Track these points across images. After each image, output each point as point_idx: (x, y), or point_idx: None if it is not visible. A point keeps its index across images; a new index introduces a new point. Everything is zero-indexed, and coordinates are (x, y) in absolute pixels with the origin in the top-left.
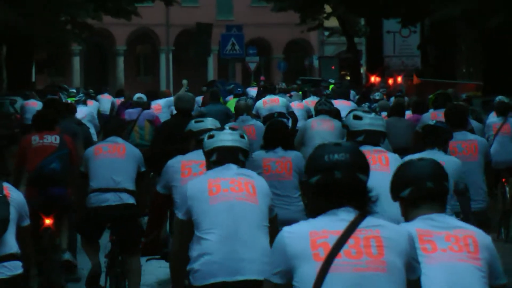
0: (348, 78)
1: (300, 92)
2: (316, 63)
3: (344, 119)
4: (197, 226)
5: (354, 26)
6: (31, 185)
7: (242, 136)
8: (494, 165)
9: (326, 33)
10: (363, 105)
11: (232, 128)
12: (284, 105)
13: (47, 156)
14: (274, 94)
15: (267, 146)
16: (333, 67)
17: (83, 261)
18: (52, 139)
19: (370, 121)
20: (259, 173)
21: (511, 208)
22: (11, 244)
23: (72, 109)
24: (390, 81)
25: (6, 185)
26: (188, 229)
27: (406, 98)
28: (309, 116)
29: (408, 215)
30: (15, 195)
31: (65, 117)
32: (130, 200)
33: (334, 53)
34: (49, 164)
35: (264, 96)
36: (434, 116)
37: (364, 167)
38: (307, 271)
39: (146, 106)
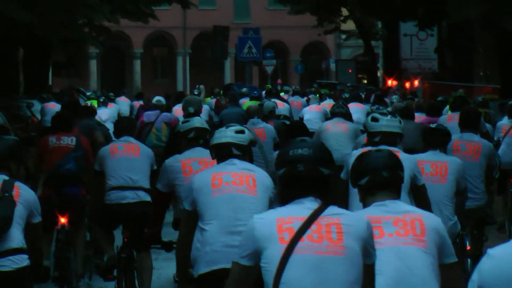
0: (365, 81)
1: (318, 95)
2: (333, 66)
3: (355, 121)
4: (200, 217)
5: (371, 29)
6: (48, 185)
7: (240, 131)
8: (502, 165)
9: (343, 36)
10: (373, 107)
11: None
12: (288, 109)
13: (63, 156)
14: (278, 97)
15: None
16: (350, 70)
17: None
18: (69, 140)
19: (386, 122)
20: None
21: None
22: (17, 239)
23: (91, 111)
24: (407, 84)
25: (17, 184)
26: (193, 219)
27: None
28: (326, 118)
29: (365, 201)
30: (25, 193)
31: (83, 119)
32: (147, 197)
33: (351, 56)
34: (65, 164)
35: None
36: (450, 118)
37: (326, 160)
38: (273, 253)
39: (164, 108)
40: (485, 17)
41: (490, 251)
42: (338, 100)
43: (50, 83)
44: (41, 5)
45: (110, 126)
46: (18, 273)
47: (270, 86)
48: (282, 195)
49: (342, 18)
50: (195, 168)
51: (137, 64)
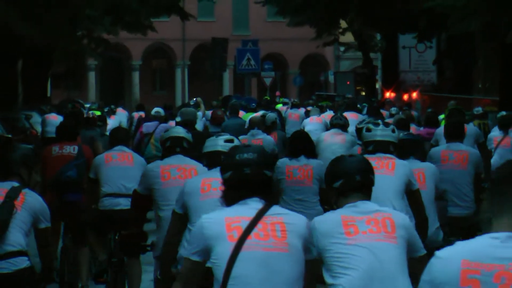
0: (363, 93)
1: (315, 107)
2: (331, 78)
3: (350, 132)
4: (189, 219)
5: (370, 41)
6: (50, 191)
7: (229, 141)
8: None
9: (342, 48)
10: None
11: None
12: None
13: (65, 164)
14: (268, 109)
15: (291, 154)
16: (348, 82)
17: None
18: (71, 149)
19: (379, 132)
20: (281, 179)
21: None
22: (17, 243)
23: (93, 121)
24: (406, 96)
25: (24, 191)
26: (182, 222)
27: (415, 112)
28: (327, 129)
29: (338, 202)
30: (31, 200)
31: (86, 129)
32: None
33: (349, 68)
34: (67, 171)
35: (257, 111)
36: None
37: (269, 164)
38: (223, 250)
39: (163, 119)
40: (486, 29)
41: (438, 253)
42: (336, 112)
43: (48, 94)
44: (44, 17)
45: None
46: (17, 274)
47: (269, 98)
48: (228, 196)
49: (341, 30)
50: (173, 174)
51: (136, 76)
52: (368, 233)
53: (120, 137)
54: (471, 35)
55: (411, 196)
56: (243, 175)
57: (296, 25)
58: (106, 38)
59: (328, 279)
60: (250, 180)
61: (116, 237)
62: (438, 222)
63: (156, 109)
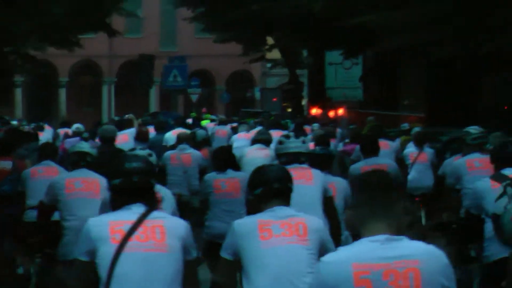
0: (290, 110)
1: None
2: (258, 94)
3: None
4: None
5: (296, 58)
6: None
7: (150, 154)
8: (412, 191)
9: (269, 65)
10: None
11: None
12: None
13: (1, 179)
14: (185, 127)
15: (218, 168)
16: (275, 99)
17: None
18: (6, 164)
19: (289, 144)
20: (209, 192)
21: (427, 231)
22: None
23: (30, 137)
24: (332, 112)
25: None
26: None
27: (339, 129)
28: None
29: (259, 208)
30: None
31: (23, 144)
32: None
33: (277, 85)
34: (2, 186)
35: (174, 128)
36: None
37: (153, 173)
38: (106, 251)
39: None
40: (413, 47)
41: (324, 258)
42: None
43: None
44: None
45: None
46: None
47: (196, 114)
48: (114, 201)
49: (267, 47)
50: (77, 186)
51: (63, 93)
52: (281, 236)
53: (47, 152)
54: (397, 52)
55: (326, 202)
56: (132, 183)
57: (223, 42)
58: (33, 54)
59: (245, 286)
60: (137, 188)
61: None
62: (347, 231)
63: (76, 125)
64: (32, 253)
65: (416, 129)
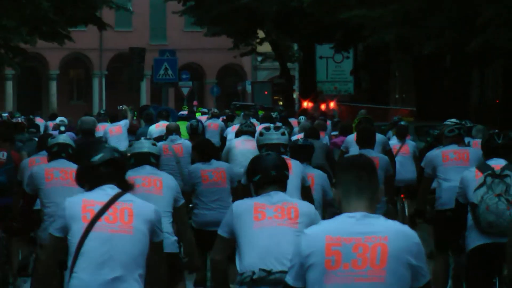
0: (281, 103)
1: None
2: (249, 88)
3: None
4: None
5: (287, 52)
6: None
7: (154, 144)
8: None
9: (259, 58)
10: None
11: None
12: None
13: None
14: (168, 120)
15: (203, 159)
16: (266, 92)
17: None
18: (0, 155)
19: (269, 136)
20: (197, 182)
21: (409, 222)
22: None
23: (21, 127)
24: (323, 106)
25: None
26: None
27: (330, 122)
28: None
29: (257, 194)
30: None
31: (16, 136)
32: None
33: (267, 78)
34: None
35: (158, 121)
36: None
37: (122, 159)
38: (77, 229)
39: (67, 127)
40: (401, 41)
41: (305, 230)
42: (246, 121)
43: None
44: None
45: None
46: None
47: (187, 108)
48: (89, 182)
49: (258, 40)
50: (56, 175)
51: (53, 86)
52: (273, 218)
53: (45, 143)
54: (387, 46)
55: (304, 191)
56: (104, 163)
57: (213, 35)
58: (23, 47)
59: (237, 263)
60: (108, 168)
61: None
62: None
63: (60, 118)
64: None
65: (401, 123)
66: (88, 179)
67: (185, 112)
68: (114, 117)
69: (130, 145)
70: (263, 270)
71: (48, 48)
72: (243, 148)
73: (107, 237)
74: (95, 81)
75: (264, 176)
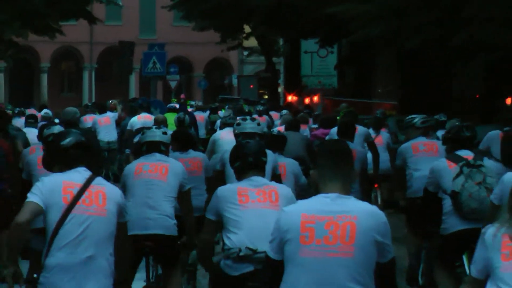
0: (266, 96)
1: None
2: (235, 81)
3: None
4: (126, 197)
5: (273, 46)
6: None
7: (164, 133)
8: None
9: (246, 53)
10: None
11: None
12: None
13: None
14: (149, 112)
15: (181, 149)
16: (251, 86)
17: None
18: None
19: (245, 125)
20: None
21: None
22: None
23: (8, 117)
24: (307, 100)
25: None
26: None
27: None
28: None
29: (240, 179)
30: None
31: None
32: None
33: (253, 72)
34: None
35: (140, 113)
36: None
37: (93, 142)
38: (56, 210)
39: (51, 119)
40: (386, 37)
41: (284, 208)
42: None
43: None
44: None
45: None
46: None
47: (176, 100)
48: (63, 164)
49: (244, 35)
50: None
51: (45, 78)
52: (256, 202)
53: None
54: (371, 41)
55: (274, 179)
56: (74, 145)
57: (201, 30)
58: (16, 41)
59: (225, 240)
60: (83, 147)
61: None
62: None
63: (44, 110)
64: None
65: (377, 115)
66: (59, 161)
67: (175, 105)
68: (103, 108)
69: (143, 134)
70: (249, 249)
71: (40, 41)
72: (228, 138)
73: (84, 219)
74: (85, 74)
75: (243, 162)
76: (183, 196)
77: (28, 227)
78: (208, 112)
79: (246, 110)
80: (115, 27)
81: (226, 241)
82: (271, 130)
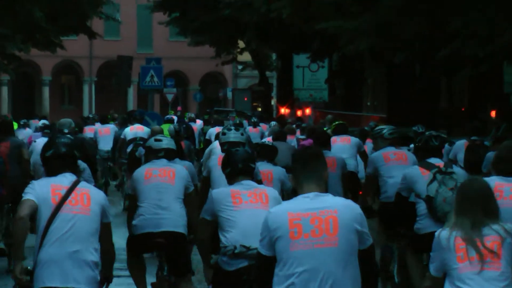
0: (260, 109)
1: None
2: (229, 94)
3: None
4: (137, 199)
5: (266, 61)
6: None
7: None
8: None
9: (240, 67)
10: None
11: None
12: (147, 132)
13: None
14: (141, 123)
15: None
16: (245, 99)
17: None
18: None
19: (229, 135)
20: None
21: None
22: None
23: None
24: (299, 112)
25: None
26: (134, 202)
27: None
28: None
29: (230, 183)
30: None
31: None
32: None
33: (247, 86)
34: None
35: (132, 124)
36: (334, 140)
37: (79, 147)
38: (45, 210)
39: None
40: (374, 51)
41: (270, 209)
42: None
43: None
44: None
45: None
46: None
47: (173, 112)
48: (50, 170)
49: (238, 50)
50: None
51: (46, 91)
52: (249, 203)
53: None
54: (361, 55)
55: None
56: (61, 154)
57: (197, 45)
58: (18, 55)
59: (221, 238)
60: (64, 155)
61: None
62: None
63: (42, 121)
64: None
65: (363, 128)
66: (45, 169)
67: (172, 116)
68: (103, 119)
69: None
70: (243, 246)
71: (41, 56)
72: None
73: (70, 217)
74: (85, 87)
75: (233, 168)
76: (187, 197)
77: (28, 221)
78: (201, 123)
79: (238, 122)
80: (113, 42)
81: (222, 239)
82: (262, 140)
